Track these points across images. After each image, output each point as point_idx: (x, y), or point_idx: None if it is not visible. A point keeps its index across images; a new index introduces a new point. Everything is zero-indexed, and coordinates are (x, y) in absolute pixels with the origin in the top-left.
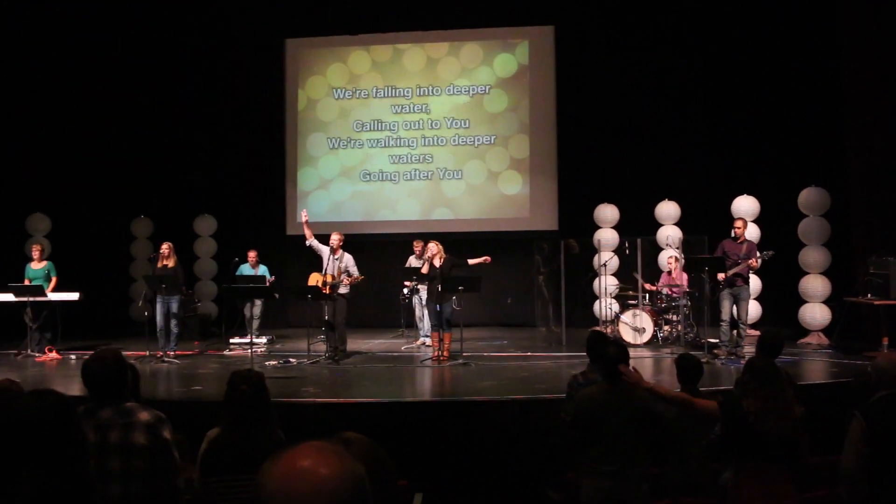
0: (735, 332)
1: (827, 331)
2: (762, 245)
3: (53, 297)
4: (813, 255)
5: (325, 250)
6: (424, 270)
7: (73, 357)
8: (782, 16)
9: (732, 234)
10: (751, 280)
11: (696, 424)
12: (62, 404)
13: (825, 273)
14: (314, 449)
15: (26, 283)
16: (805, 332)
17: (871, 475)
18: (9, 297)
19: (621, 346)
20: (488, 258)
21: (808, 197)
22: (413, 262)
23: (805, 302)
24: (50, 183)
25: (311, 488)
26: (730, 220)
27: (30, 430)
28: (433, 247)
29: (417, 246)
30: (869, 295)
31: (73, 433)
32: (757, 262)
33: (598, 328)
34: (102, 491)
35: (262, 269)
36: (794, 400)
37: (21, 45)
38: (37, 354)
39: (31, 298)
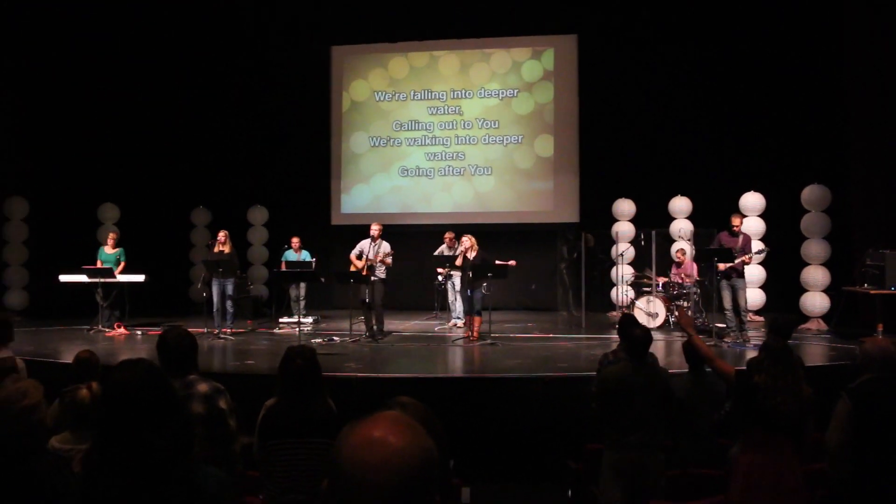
0: (738, 318)
1: (826, 317)
2: (766, 238)
3: (122, 278)
4: (814, 248)
5: (364, 243)
6: (458, 262)
7: (138, 332)
8: (788, 30)
9: (732, 228)
10: (756, 270)
11: (701, 401)
12: (157, 370)
13: (825, 264)
14: (389, 420)
15: (98, 264)
16: (806, 318)
17: (855, 451)
18: (82, 277)
19: (647, 329)
20: (514, 262)
21: (810, 193)
22: (444, 250)
23: (806, 291)
24: (119, 176)
25: (382, 457)
26: (742, 215)
27: (135, 394)
28: (466, 241)
29: (448, 236)
30: (865, 285)
31: (171, 394)
32: (750, 258)
33: (627, 311)
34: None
35: (305, 254)
36: (803, 380)
37: (95, 51)
38: (106, 330)
39: (102, 279)
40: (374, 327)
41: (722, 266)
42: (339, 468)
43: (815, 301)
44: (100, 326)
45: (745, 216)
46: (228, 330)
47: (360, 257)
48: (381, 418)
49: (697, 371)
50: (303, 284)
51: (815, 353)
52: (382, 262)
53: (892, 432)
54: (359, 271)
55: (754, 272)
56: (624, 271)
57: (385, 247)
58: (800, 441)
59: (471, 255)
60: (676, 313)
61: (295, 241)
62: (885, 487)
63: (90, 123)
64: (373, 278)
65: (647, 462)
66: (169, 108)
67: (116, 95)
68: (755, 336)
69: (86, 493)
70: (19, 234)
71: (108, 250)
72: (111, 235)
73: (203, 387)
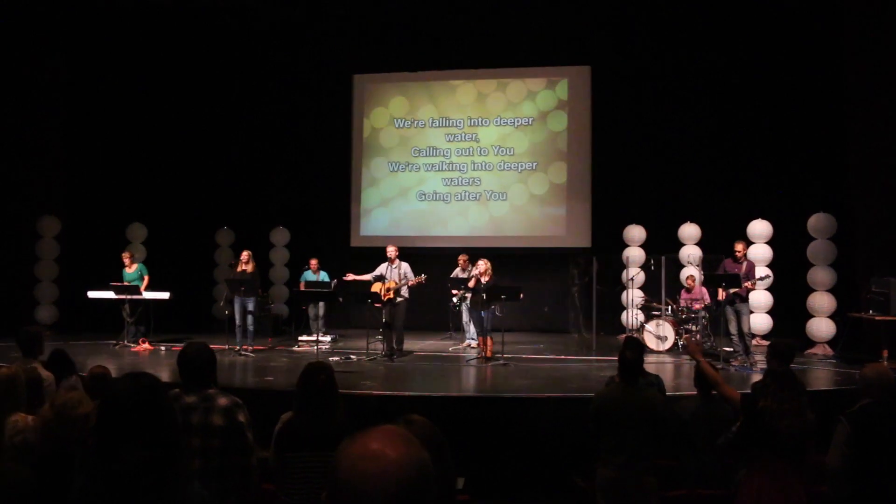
0: (744, 342)
1: (832, 343)
2: (773, 264)
3: (147, 295)
4: (820, 275)
5: (381, 267)
6: (471, 284)
7: (162, 348)
8: (793, 66)
9: (735, 254)
10: (763, 296)
11: (708, 423)
12: (154, 385)
13: (831, 291)
14: (386, 433)
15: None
16: (812, 343)
17: (854, 474)
18: (110, 294)
19: (639, 353)
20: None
21: (816, 222)
22: (458, 273)
23: (812, 316)
24: (148, 197)
25: (379, 468)
26: (746, 241)
27: (128, 406)
28: (482, 264)
29: (462, 259)
30: (871, 311)
31: (164, 409)
32: (753, 285)
33: (633, 335)
34: (186, 464)
35: (323, 275)
36: (807, 404)
37: (126, 78)
38: (132, 345)
39: (128, 296)
40: (394, 347)
41: (722, 294)
42: (339, 479)
43: (822, 326)
44: (125, 341)
45: (751, 242)
46: (249, 347)
47: (379, 280)
48: (378, 431)
49: (705, 394)
50: (321, 304)
51: (820, 377)
52: (407, 284)
53: (890, 455)
54: (377, 293)
55: (761, 298)
56: (634, 295)
57: (405, 267)
58: (803, 463)
59: (484, 279)
60: (686, 343)
61: (313, 262)
62: None
63: (120, 147)
64: (398, 299)
65: (631, 483)
66: (195, 132)
67: (146, 121)
68: (762, 360)
69: (76, 496)
70: (51, 252)
71: (129, 270)
72: (125, 255)
73: (223, 400)
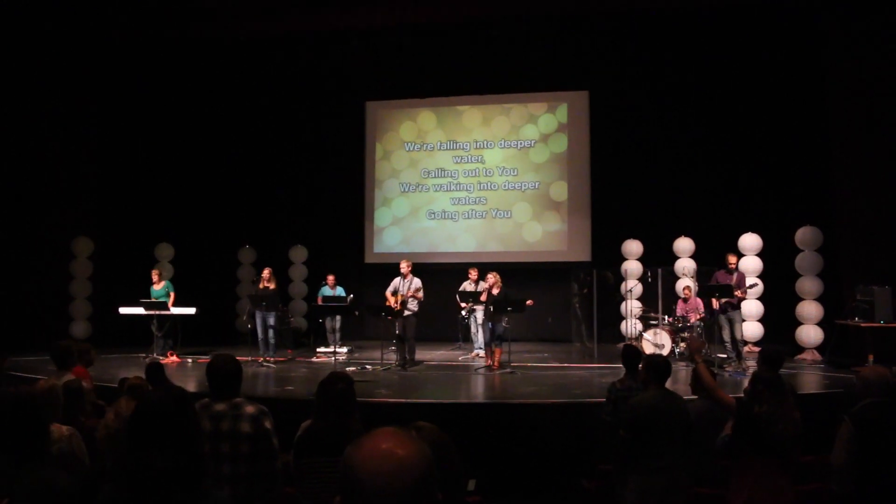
0: (736, 349)
1: (820, 349)
2: (762, 275)
3: (175, 310)
4: (808, 284)
5: (396, 280)
6: (483, 298)
7: (189, 360)
8: (779, 88)
9: (728, 266)
10: (754, 305)
11: (709, 424)
12: (182, 396)
13: (818, 299)
14: (390, 434)
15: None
16: (801, 349)
17: (858, 470)
18: (140, 310)
19: (666, 358)
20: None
21: (803, 234)
22: (467, 286)
23: (801, 324)
24: (174, 218)
25: (394, 466)
26: (738, 254)
27: (158, 415)
28: (491, 278)
29: (472, 273)
30: (856, 318)
31: (190, 419)
32: (744, 293)
33: (631, 343)
34: (216, 469)
35: (339, 290)
36: (795, 406)
37: (154, 107)
38: (161, 357)
39: (157, 312)
40: (407, 357)
41: (715, 303)
42: (354, 480)
43: (810, 333)
44: (154, 354)
45: (742, 255)
46: (271, 358)
47: (394, 294)
48: (383, 432)
49: (704, 396)
50: (338, 317)
51: (810, 381)
52: (414, 296)
53: (892, 452)
54: (390, 306)
55: (753, 307)
56: (633, 306)
57: (416, 282)
58: (792, 463)
59: (495, 291)
60: (689, 340)
61: (330, 278)
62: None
63: (149, 172)
64: (406, 313)
65: (677, 482)
66: (219, 157)
67: (173, 148)
68: (753, 366)
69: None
70: (84, 271)
71: (156, 287)
72: (154, 273)
73: (250, 409)
